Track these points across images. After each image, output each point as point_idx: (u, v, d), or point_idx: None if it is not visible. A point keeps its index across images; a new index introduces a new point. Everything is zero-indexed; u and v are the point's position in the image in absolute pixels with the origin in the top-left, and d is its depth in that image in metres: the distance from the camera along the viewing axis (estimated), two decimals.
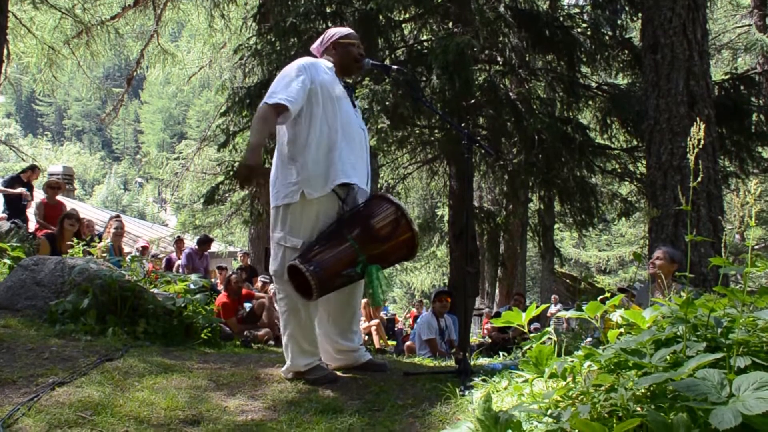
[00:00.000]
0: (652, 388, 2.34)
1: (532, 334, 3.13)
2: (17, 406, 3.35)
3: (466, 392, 3.57)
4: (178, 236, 14.71)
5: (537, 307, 3.18)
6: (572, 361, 2.72)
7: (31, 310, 5.73)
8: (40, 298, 5.86)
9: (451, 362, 5.29)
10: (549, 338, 2.98)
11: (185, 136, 60.90)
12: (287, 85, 3.93)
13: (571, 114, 10.65)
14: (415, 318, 15.79)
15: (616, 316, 2.94)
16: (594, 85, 10.90)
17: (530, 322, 3.01)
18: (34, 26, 16.66)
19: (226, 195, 12.48)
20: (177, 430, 3.30)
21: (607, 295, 2.94)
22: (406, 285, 35.06)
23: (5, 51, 14.04)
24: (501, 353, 5.70)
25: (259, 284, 11.49)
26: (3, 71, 14.17)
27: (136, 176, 75.19)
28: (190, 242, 15.65)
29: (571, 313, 3.12)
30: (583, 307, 2.91)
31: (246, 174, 3.88)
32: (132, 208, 65.34)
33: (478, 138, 4.40)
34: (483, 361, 5.03)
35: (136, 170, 73.31)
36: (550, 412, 2.55)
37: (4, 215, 10.95)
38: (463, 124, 7.62)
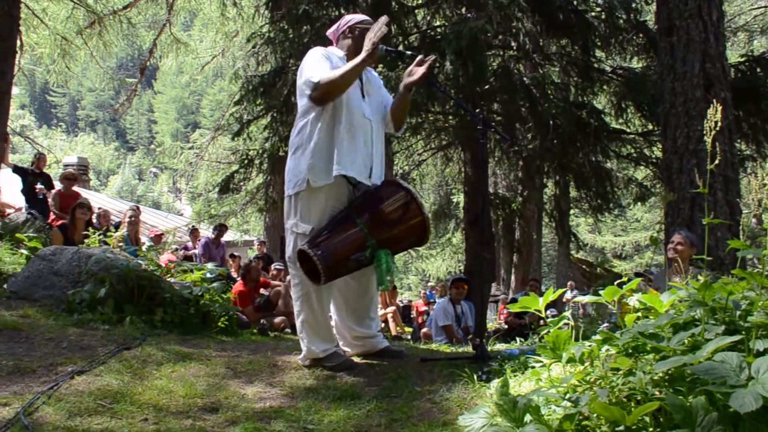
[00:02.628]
0: (670, 372, 2.33)
1: (549, 320, 3.12)
2: (37, 395, 3.37)
3: (484, 377, 3.57)
4: (193, 226, 14.76)
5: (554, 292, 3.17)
6: (590, 346, 2.71)
7: (48, 300, 5.78)
8: (58, 288, 5.91)
9: (468, 348, 5.29)
10: (566, 323, 2.97)
11: (199, 126, 61.08)
12: (314, 68, 3.98)
13: (585, 99, 10.56)
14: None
15: (634, 301, 2.92)
16: (608, 69, 10.80)
17: (546, 307, 3.00)
18: (47, 17, 16.71)
19: (241, 184, 12.50)
20: (196, 417, 3.32)
21: (624, 279, 2.92)
22: (421, 272, 35.03)
23: (18, 42, 14.10)
24: (517, 339, 5.68)
25: (273, 272, 11.50)
26: (17, 62, 14.23)
27: (150, 166, 75.42)
28: (206, 231, 15.71)
29: (588, 298, 3.11)
30: (601, 292, 2.90)
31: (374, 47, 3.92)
32: (147, 198, 65.60)
33: (493, 124, 4.38)
34: (500, 346, 5.03)
35: (151, 160, 73.55)
36: (568, 396, 2.54)
37: (25, 208, 11.00)
38: (477, 110, 7.57)
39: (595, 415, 2.33)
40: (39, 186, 11.66)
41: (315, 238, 3.89)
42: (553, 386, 2.76)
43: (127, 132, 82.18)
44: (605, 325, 4.63)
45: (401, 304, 15.30)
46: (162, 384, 3.71)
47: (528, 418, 2.39)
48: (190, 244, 13.53)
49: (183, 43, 18.97)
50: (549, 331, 2.91)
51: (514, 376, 3.43)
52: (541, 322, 3.15)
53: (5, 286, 6.52)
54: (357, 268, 4.00)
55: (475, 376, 3.60)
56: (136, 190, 70.59)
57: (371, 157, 4.13)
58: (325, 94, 3.94)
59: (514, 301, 10.34)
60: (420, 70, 4.04)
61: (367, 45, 3.91)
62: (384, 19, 3.98)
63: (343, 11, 8.96)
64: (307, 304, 4.09)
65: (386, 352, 4.38)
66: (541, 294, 3.15)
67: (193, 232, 14.06)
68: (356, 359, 4.29)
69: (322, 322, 4.13)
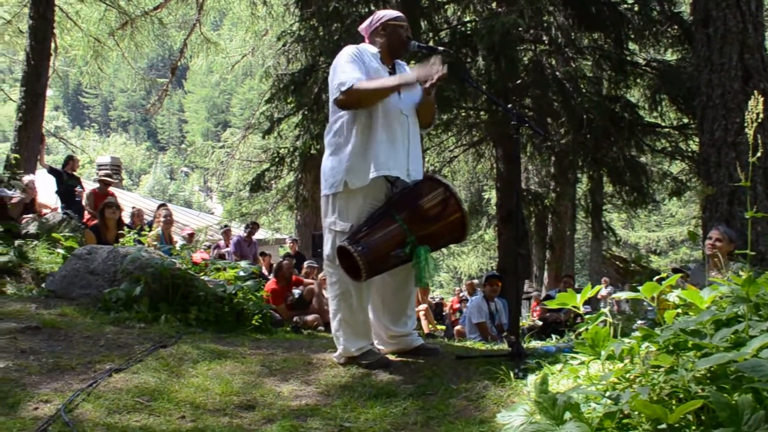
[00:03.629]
0: (712, 369, 2.29)
1: (587, 316, 3.08)
2: (77, 392, 3.42)
3: (520, 375, 3.54)
4: (226, 226, 14.85)
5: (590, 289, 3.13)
6: (629, 343, 2.67)
7: (85, 299, 5.85)
8: (94, 287, 5.98)
9: (503, 346, 5.25)
10: (604, 320, 2.94)
11: (229, 125, 61.49)
12: (347, 71, 3.97)
13: (619, 92, 10.41)
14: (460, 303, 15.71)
15: (673, 297, 2.87)
16: (642, 62, 10.63)
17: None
18: (80, 19, 16.92)
19: (272, 182, 12.54)
20: (233, 415, 3.33)
21: (663, 275, 2.88)
22: (452, 269, 34.90)
23: (53, 44, 14.31)
24: (553, 336, 5.64)
25: (305, 270, 11.53)
26: (51, 64, 14.44)
27: (181, 165, 76.07)
28: (237, 230, 15.79)
29: (627, 294, 3.06)
30: (639, 288, 2.85)
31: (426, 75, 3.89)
32: (178, 197, 66.22)
33: (527, 118, 4.34)
34: (535, 344, 4.99)
35: (182, 159, 74.18)
36: (608, 394, 2.51)
37: (60, 208, 11.14)
38: (509, 105, 7.51)
39: (636, 413, 2.30)
40: (78, 189, 11.81)
41: (354, 234, 3.89)
42: (591, 384, 2.73)
43: (158, 132, 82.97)
44: (641, 322, 4.57)
45: (433, 302, 15.25)
46: (198, 382, 3.74)
47: (568, 415, 2.36)
48: (222, 242, 13.60)
49: (213, 43, 19.11)
50: (587, 328, 2.87)
51: (552, 373, 3.40)
52: (578, 319, 3.10)
53: (43, 285, 6.63)
54: (396, 264, 3.98)
55: (512, 374, 3.57)
56: (168, 190, 71.27)
57: (409, 154, 4.11)
58: (354, 103, 3.95)
59: (548, 298, 10.25)
60: (435, 75, 3.96)
61: (419, 75, 3.89)
62: (439, 60, 3.92)
63: (373, 7, 8.94)
64: (346, 303, 4.08)
65: (421, 349, 4.36)
66: (575, 291, 3.11)
67: (226, 232, 14.14)
68: (391, 357, 4.26)
69: (361, 319, 4.12)
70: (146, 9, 17.48)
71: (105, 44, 17.58)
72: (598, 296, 15.38)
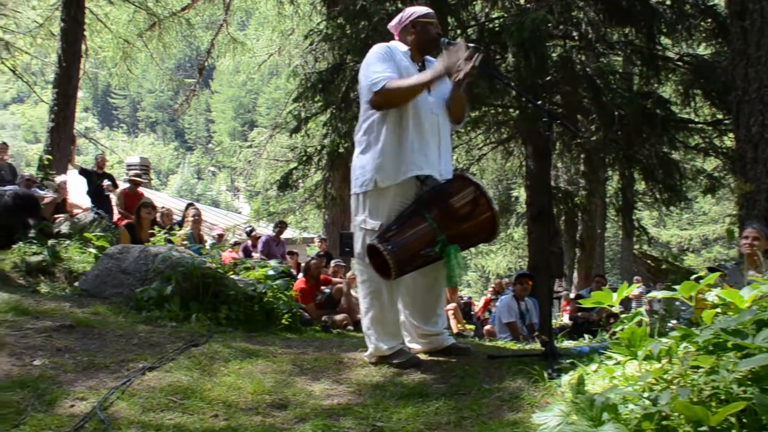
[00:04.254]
0: (755, 371, 2.24)
1: (623, 316, 3.04)
2: (112, 390, 3.45)
3: (554, 375, 3.50)
4: (251, 228, 14.90)
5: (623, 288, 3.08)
6: (667, 343, 2.63)
7: (117, 298, 5.91)
8: (126, 286, 6.04)
9: (534, 345, 5.21)
10: (640, 320, 2.89)
11: (256, 124, 61.71)
12: (378, 70, 3.95)
13: (651, 88, 10.24)
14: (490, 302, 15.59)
15: (712, 296, 2.82)
16: (675, 56, 10.45)
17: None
18: (109, 21, 17.10)
19: (299, 181, 12.55)
20: (265, 414, 3.34)
21: (702, 274, 2.83)
22: (480, 268, 34.72)
23: (83, 46, 14.48)
24: (585, 336, 5.58)
25: (333, 269, 11.52)
26: (82, 66, 14.60)
27: (208, 165, 76.57)
28: (265, 229, 15.84)
29: (664, 293, 3.01)
30: (675, 287, 2.81)
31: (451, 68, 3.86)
32: (206, 197, 66.60)
33: (559, 116, 4.28)
34: (568, 343, 4.95)
35: (209, 159, 74.71)
36: (646, 395, 2.47)
37: (91, 208, 11.26)
38: (539, 102, 7.42)
39: (676, 414, 2.26)
40: (106, 183, 11.93)
41: (384, 233, 3.87)
42: (629, 384, 2.69)
43: (186, 132, 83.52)
44: (674, 321, 4.51)
45: (461, 301, 15.15)
46: (230, 381, 3.75)
47: (605, 416, 2.33)
48: (249, 243, 13.65)
49: (240, 43, 19.23)
50: (623, 328, 2.83)
51: (586, 374, 3.35)
52: (610, 318, 3.07)
53: (76, 284, 6.70)
54: (426, 263, 3.96)
55: (545, 374, 3.53)
56: (195, 189, 71.72)
57: (440, 152, 4.08)
58: (386, 103, 3.93)
59: (579, 297, 10.12)
60: (466, 67, 3.93)
61: (447, 66, 3.85)
62: (463, 46, 3.88)
63: (400, 5, 8.90)
64: (377, 301, 4.06)
65: (452, 349, 4.33)
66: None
67: (251, 235, 14.19)
68: (422, 356, 4.23)
69: (391, 318, 4.10)
70: (174, 10, 17.62)
71: (134, 45, 17.75)
72: (630, 295, 15.17)
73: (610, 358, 3.22)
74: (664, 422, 2.31)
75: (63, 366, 3.84)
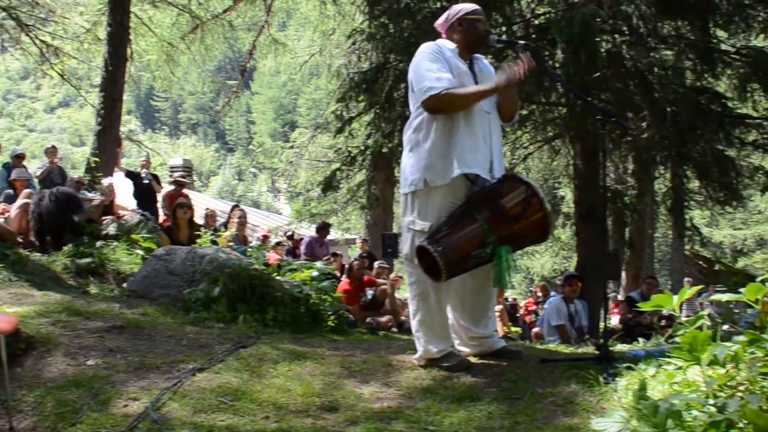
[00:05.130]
0: None
1: (685, 319, 2.96)
2: (163, 391, 3.50)
3: (610, 380, 3.43)
4: (292, 232, 14.94)
5: (669, 291, 2.99)
6: (733, 348, 2.55)
7: (165, 299, 5.96)
8: (174, 287, 6.09)
9: (586, 349, 5.12)
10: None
11: (296, 125, 61.96)
12: (432, 72, 3.90)
13: (705, 83, 9.92)
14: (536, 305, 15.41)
15: None
16: (731, 50, 10.12)
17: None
18: (153, 24, 17.31)
19: (342, 181, 12.53)
20: (316, 416, 3.34)
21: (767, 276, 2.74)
22: (525, 270, 34.34)
23: (128, 50, 14.67)
24: (640, 339, 5.45)
25: (376, 270, 11.49)
26: (127, 70, 14.80)
27: (249, 166, 77.11)
28: (306, 231, 15.89)
29: (728, 296, 2.92)
30: (740, 290, 2.72)
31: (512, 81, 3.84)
32: (246, 198, 67.00)
33: (613, 113, 4.18)
34: (621, 347, 4.84)
35: (250, 160, 75.25)
36: (711, 401, 2.40)
37: (137, 209, 11.40)
38: (588, 99, 7.25)
39: (744, 422, 2.19)
40: (144, 171, 12.07)
41: (435, 234, 3.82)
42: (692, 390, 2.62)
43: (227, 133, 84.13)
44: (729, 326, 4.38)
45: (507, 303, 15.00)
46: (280, 382, 3.75)
47: (669, 423, 2.26)
48: (290, 245, 13.68)
49: (281, 44, 19.30)
50: (684, 332, 2.75)
51: (643, 379, 3.27)
52: (663, 321, 2.99)
53: (125, 285, 6.78)
54: (476, 265, 3.89)
55: (601, 378, 3.46)
56: (236, 190, 72.21)
57: (491, 151, 4.02)
58: (440, 108, 3.89)
59: (630, 299, 9.91)
60: (518, 70, 3.85)
61: (507, 76, 3.81)
62: (527, 58, 3.83)
63: (445, 3, 8.83)
64: (425, 303, 4.01)
65: (503, 352, 4.26)
66: (659, 292, 2.98)
67: (292, 237, 14.23)
68: (472, 359, 4.17)
69: (440, 321, 4.05)
70: (216, 12, 17.76)
71: (177, 48, 17.95)
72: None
73: (669, 362, 3.14)
74: (732, 430, 2.24)
75: (115, 366, 3.90)
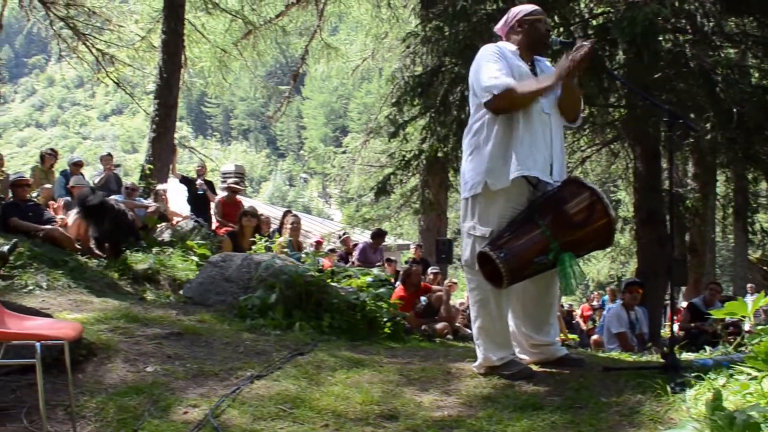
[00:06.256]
0: None
1: (759, 327, 2.83)
2: (222, 398, 3.51)
3: (678, 389, 3.31)
4: (345, 233, 14.96)
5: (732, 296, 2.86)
6: None
7: (221, 306, 5.99)
8: (230, 294, 6.11)
9: (649, 357, 4.97)
10: None
11: (347, 130, 62.16)
12: (494, 72, 3.82)
13: None
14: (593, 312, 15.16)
15: None
16: None
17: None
18: (206, 31, 17.54)
19: (395, 186, 12.47)
20: (376, 425, 3.31)
21: None
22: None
23: (182, 57, 14.88)
24: (706, 348, 5.29)
25: (430, 276, 11.42)
26: (181, 76, 15.01)
27: (300, 172, 77.75)
28: (358, 236, 15.88)
29: None
30: None
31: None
32: (297, 204, 67.52)
33: (680, 115, 4.03)
34: (688, 355, 4.69)
35: (301, 166, 75.89)
36: None
37: (190, 215, 11.52)
38: (655, 100, 7.04)
39: None
40: (199, 182, 12.19)
41: (496, 240, 3.75)
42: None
43: (278, 139, 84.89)
44: None
45: (563, 309, 14.76)
46: (338, 390, 3.72)
47: None
48: (344, 251, 13.69)
49: (333, 48, 19.37)
50: (759, 341, 2.63)
51: (713, 389, 3.14)
52: (730, 329, 2.86)
53: (181, 291, 6.84)
54: (538, 272, 3.82)
55: (668, 388, 3.34)
56: (287, 196, 72.82)
57: (552, 154, 3.92)
58: (504, 107, 3.80)
59: (692, 306, 9.64)
60: (577, 55, 3.75)
61: (565, 67, 3.73)
62: (588, 44, 3.74)
63: (501, 4, 8.73)
64: (485, 310, 3.94)
65: (565, 360, 4.15)
66: (723, 299, 2.87)
67: (345, 240, 14.25)
68: (534, 367, 4.09)
69: (500, 328, 3.97)
70: (268, 17, 17.91)
71: (230, 54, 18.15)
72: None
73: (741, 372, 3.02)
74: None
75: (174, 373, 3.93)
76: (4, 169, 11.11)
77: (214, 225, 11.54)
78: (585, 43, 3.74)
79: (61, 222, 8.32)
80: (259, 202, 32.68)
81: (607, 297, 15.55)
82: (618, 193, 19.06)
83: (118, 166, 12.80)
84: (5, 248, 6.10)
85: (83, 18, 16.54)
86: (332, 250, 12.69)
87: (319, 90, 74.83)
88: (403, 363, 4.46)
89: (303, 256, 7.78)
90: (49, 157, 11.51)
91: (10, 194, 8.36)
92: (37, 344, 2.93)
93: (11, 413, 3.30)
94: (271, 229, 11.19)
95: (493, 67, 3.82)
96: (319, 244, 12.12)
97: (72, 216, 8.19)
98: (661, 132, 9.15)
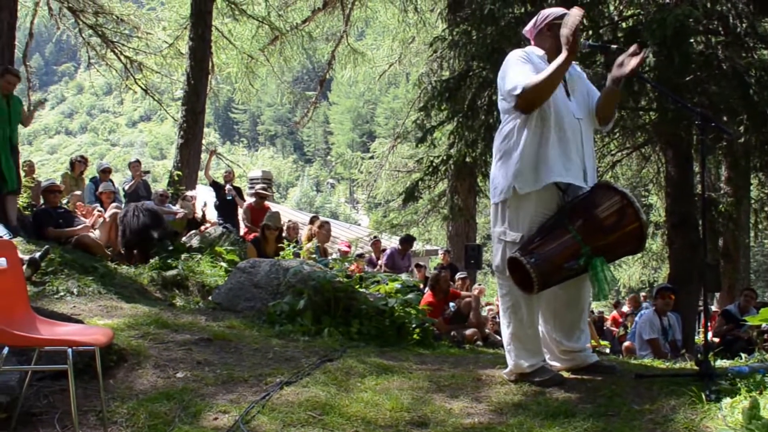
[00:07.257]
0: None
1: None
2: (252, 404, 3.52)
3: (713, 397, 3.26)
4: (375, 237, 14.94)
5: None
6: None
7: (250, 311, 6.02)
8: (258, 300, 6.13)
9: (683, 364, 4.89)
10: None
11: (374, 135, 62.19)
12: (517, 74, 3.82)
13: None
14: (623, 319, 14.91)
15: None
16: None
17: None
18: (233, 37, 17.68)
19: (423, 191, 12.41)
20: None
21: None
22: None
23: (210, 64, 15.00)
24: (741, 355, 5.19)
25: (458, 282, 11.36)
26: (208, 83, 15.13)
27: (327, 177, 77.88)
28: (386, 242, 15.85)
29: None
30: None
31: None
32: (324, 209, 67.65)
33: (713, 118, 3.96)
34: (722, 363, 4.61)
35: (328, 171, 76.02)
36: None
37: (218, 221, 11.58)
38: (688, 104, 6.93)
39: None
40: (228, 187, 12.23)
41: (527, 245, 3.72)
42: None
43: (305, 144, 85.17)
44: None
45: (594, 315, 14.58)
46: (367, 397, 3.72)
47: None
48: (373, 255, 13.67)
49: (360, 53, 19.40)
50: None
51: (750, 397, 3.08)
52: (766, 335, 2.80)
53: (210, 297, 6.87)
54: (569, 277, 3.78)
55: (703, 396, 3.28)
56: (314, 202, 72.98)
57: (583, 158, 3.88)
58: (530, 102, 3.76)
59: (726, 313, 9.48)
60: (633, 61, 3.73)
61: (563, 41, 3.68)
62: (576, 11, 3.71)
63: (529, 7, 8.67)
64: (516, 316, 3.91)
65: (597, 367, 4.10)
66: (758, 305, 2.81)
67: (375, 244, 14.23)
68: (565, 374, 4.04)
69: (531, 334, 3.93)
70: (295, 23, 18.00)
71: (257, 60, 18.26)
72: None
73: None
74: None
75: (204, 379, 3.94)
76: (35, 176, 11.26)
77: (243, 231, 11.59)
78: (633, 51, 3.72)
79: (98, 216, 8.47)
80: (286, 207, 32.80)
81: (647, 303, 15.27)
82: (649, 198, 18.84)
83: (147, 173, 12.86)
84: (37, 255, 6.15)
85: (112, 26, 16.77)
86: (360, 255, 12.67)
87: (345, 95, 74.95)
88: (433, 369, 4.45)
89: (330, 261, 7.78)
90: (79, 164, 11.64)
91: (42, 200, 8.46)
92: (69, 350, 2.96)
93: (44, 419, 3.32)
94: (299, 235, 11.21)
95: (518, 69, 3.81)
96: (345, 252, 12.10)
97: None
98: (693, 135, 9.01)
